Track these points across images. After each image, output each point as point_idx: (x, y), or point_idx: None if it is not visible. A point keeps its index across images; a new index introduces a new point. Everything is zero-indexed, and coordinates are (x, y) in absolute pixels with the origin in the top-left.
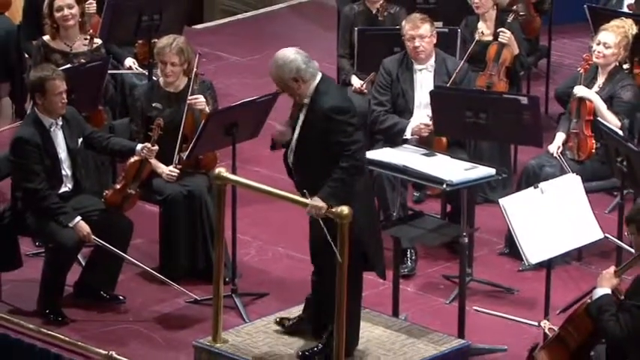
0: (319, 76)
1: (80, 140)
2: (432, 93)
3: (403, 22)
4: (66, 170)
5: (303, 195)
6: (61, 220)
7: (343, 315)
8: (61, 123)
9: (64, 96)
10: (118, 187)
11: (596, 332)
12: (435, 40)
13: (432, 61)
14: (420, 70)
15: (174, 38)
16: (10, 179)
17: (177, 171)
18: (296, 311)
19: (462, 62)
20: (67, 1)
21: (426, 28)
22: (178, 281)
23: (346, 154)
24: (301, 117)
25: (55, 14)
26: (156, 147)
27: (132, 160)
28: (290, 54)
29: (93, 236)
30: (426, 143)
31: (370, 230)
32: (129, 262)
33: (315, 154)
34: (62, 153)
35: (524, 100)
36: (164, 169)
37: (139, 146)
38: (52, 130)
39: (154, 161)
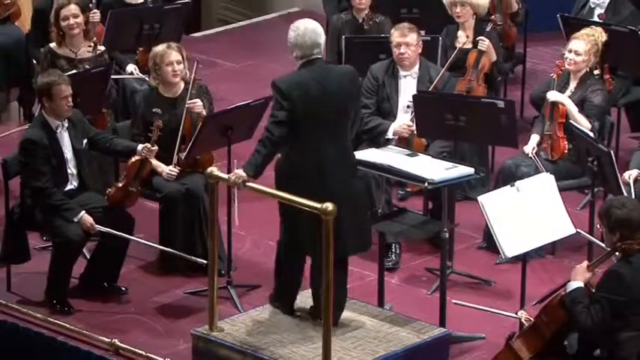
0: (311, 58)
1: (85, 141)
2: (414, 97)
3: (392, 30)
4: (71, 169)
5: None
6: (66, 216)
7: (330, 305)
8: (67, 125)
9: (70, 100)
10: (121, 185)
11: (569, 322)
12: (420, 50)
13: (416, 68)
14: (405, 76)
15: (168, 43)
16: (20, 178)
17: (177, 170)
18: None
19: (443, 70)
20: (73, 10)
21: (412, 37)
22: (176, 274)
23: (265, 127)
24: None
25: (61, 23)
26: (155, 147)
27: (133, 159)
28: (301, 27)
29: (96, 225)
30: (406, 143)
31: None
32: (134, 243)
33: None
34: (68, 153)
35: (500, 104)
36: (164, 169)
37: (140, 146)
38: (58, 131)
39: (154, 161)
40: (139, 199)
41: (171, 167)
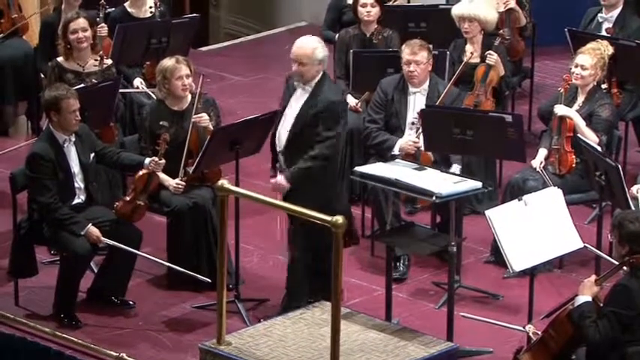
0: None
1: (92, 155)
2: (422, 111)
3: (403, 46)
4: (79, 183)
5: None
6: (73, 230)
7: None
8: (74, 139)
9: (78, 113)
10: (128, 198)
11: (577, 336)
12: (430, 67)
13: (425, 85)
14: (414, 93)
15: (175, 57)
16: (27, 192)
17: (184, 184)
18: (292, 315)
19: (449, 85)
20: (82, 24)
21: (423, 55)
22: (184, 287)
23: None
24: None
25: (70, 36)
26: (163, 160)
27: (140, 173)
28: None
29: (103, 238)
30: (413, 160)
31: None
32: (141, 257)
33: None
34: (75, 167)
35: (508, 118)
36: (171, 182)
37: (147, 160)
38: (65, 145)
39: (161, 175)
40: (146, 212)
41: (177, 180)
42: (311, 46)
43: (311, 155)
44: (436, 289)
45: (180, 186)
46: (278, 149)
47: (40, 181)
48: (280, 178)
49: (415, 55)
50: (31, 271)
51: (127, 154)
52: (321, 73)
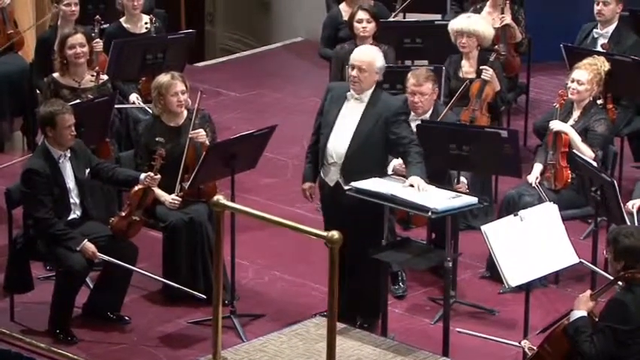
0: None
1: (87, 171)
2: (418, 127)
3: (409, 74)
4: (74, 199)
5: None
6: (69, 245)
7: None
8: (69, 155)
9: (73, 129)
10: (124, 214)
11: (573, 352)
12: (435, 97)
13: (427, 114)
14: (415, 120)
15: (171, 73)
16: (23, 207)
17: (180, 199)
18: (288, 331)
19: (446, 109)
20: (79, 39)
21: (428, 87)
22: (180, 303)
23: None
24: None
25: (67, 51)
26: (158, 176)
27: (136, 188)
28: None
29: (99, 253)
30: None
31: None
32: (136, 273)
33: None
34: (70, 182)
35: (504, 134)
36: (167, 198)
37: (143, 175)
38: (60, 161)
39: (157, 190)
40: (142, 228)
41: (173, 196)
42: (372, 54)
43: (417, 152)
44: (432, 304)
45: (175, 201)
46: (330, 161)
47: (35, 196)
48: (416, 178)
49: (420, 87)
50: (27, 286)
51: (123, 169)
52: (375, 84)
